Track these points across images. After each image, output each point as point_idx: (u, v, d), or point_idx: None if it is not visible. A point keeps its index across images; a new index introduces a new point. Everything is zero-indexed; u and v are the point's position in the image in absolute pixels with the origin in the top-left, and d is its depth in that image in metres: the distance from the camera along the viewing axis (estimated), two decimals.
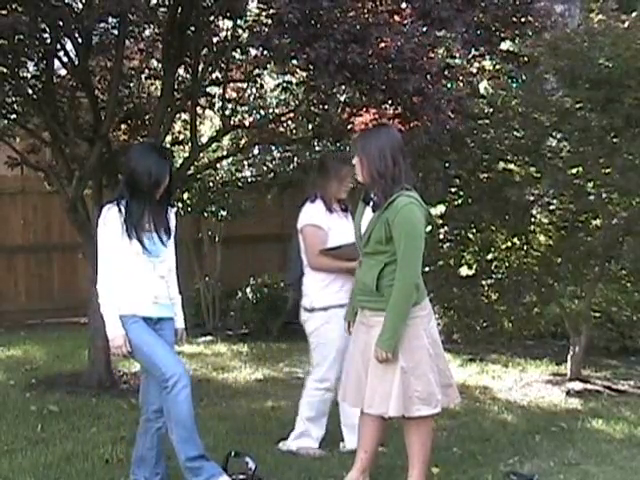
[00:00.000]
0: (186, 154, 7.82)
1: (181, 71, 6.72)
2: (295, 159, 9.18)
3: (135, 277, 3.84)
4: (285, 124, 7.56)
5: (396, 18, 5.70)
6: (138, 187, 3.83)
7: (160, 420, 3.92)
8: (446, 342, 8.03)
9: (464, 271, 6.70)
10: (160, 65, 6.90)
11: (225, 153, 8.38)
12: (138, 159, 3.91)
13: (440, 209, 6.58)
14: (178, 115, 7.28)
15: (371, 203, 3.86)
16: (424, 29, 5.52)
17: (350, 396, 4.00)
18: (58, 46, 5.93)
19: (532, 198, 6.48)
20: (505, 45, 6.70)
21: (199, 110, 7.34)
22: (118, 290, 3.81)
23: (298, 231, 4.71)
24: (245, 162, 9.29)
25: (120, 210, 3.83)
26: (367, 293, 3.86)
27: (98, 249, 3.87)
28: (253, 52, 6.57)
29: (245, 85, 7.57)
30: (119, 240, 3.81)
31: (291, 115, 7.24)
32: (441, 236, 6.75)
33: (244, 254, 10.38)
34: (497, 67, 6.89)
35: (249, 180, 9.47)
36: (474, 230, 6.72)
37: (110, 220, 3.83)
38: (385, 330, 3.72)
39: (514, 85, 6.83)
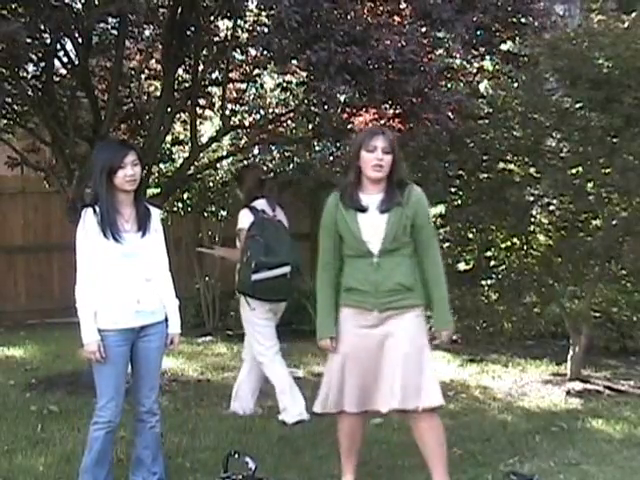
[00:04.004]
0: (186, 154, 7.83)
1: (181, 71, 6.72)
2: (295, 159, 9.18)
3: (116, 281, 3.73)
4: (285, 124, 7.56)
5: (396, 19, 5.71)
6: (98, 181, 3.76)
7: (152, 419, 3.92)
8: (446, 342, 8.16)
9: (462, 266, 6.71)
10: (160, 65, 6.91)
11: (225, 153, 8.38)
12: (96, 154, 4.00)
13: (440, 209, 6.58)
14: (178, 115, 7.28)
15: (379, 204, 3.84)
16: (424, 30, 5.52)
17: (353, 402, 3.88)
18: (58, 46, 5.94)
19: (532, 198, 6.48)
20: (505, 46, 6.70)
21: (199, 110, 7.34)
22: (97, 300, 3.72)
23: None
24: (245, 162, 9.29)
25: (95, 211, 3.75)
26: (400, 292, 3.83)
27: (77, 254, 3.77)
28: (253, 52, 6.58)
29: (245, 85, 7.58)
30: (97, 243, 3.73)
31: (291, 115, 7.24)
32: (441, 236, 6.74)
33: None
34: (497, 67, 6.89)
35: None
36: (474, 230, 6.72)
37: (88, 223, 3.75)
38: (447, 311, 3.97)
39: (514, 85, 6.83)
